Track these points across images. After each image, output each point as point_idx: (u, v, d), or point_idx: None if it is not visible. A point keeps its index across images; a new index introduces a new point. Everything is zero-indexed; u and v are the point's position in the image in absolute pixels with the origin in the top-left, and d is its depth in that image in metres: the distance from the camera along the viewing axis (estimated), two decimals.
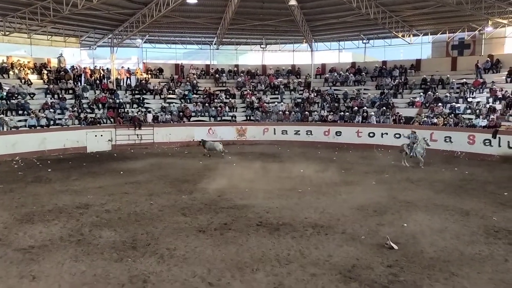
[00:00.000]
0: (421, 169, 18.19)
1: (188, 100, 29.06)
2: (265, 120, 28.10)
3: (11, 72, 26.02)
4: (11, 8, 22.96)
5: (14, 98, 23.80)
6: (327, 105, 28.63)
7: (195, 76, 31.53)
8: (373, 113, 26.11)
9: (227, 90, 30.54)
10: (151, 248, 9.04)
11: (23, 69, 26.59)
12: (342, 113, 27.24)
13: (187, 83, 30.57)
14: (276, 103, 29.32)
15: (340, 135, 26.30)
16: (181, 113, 27.60)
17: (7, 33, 25.55)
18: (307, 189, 14.51)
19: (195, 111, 28.12)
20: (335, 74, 31.24)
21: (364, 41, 31.93)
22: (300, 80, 31.79)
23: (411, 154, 18.89)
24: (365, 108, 26.80)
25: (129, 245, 9.23)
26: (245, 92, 30.35)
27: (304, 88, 30.90)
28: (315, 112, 28.11)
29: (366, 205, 12.47)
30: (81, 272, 7.86)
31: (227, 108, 28.68)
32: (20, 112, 23.40)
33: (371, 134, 25.44)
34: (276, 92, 30.74)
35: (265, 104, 29.07)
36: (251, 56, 37.84)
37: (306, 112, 28.02)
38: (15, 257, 8.58)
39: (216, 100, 29.17)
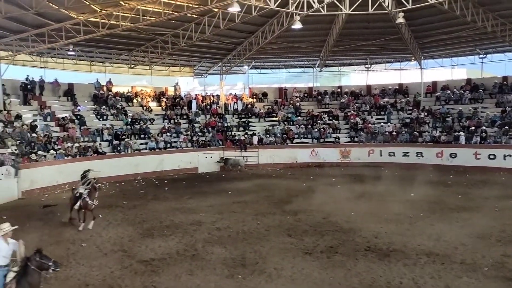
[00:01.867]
0: None
1: (291, 123, 29.52)
2: (370, 141, 27.25)
3: (134, 100, 29.11)
4: (136, 44, 25.88)
5: (137, 123, 26.48)
6: (440, 125, 26.84)
7: (298, 98, 32.01)
8: (493, 133, 23.77)
9: (330, 111, 30.40)
10: (259, 267, 9.28)
11: (145, 97, 29.56)
12: (457, 133, 25.28)
13: (290, 105, 31.15)
14: (382, 123, 28.33)
15: (455, 157, 24.35)
16: (284, 135, 28.12)
17: (132, 65, 28.85)
18: (419, 214, 13.67)
19: (298, 133, 28.42)
20: (448, 92, 29.23)
21: (481, 56, 29.51)
22: (408, 99, 30.37)
23: None
24: (483, 127, 24.54)
25: (239, 262, 9.59)
26: (349, 113, 29.89)
27: (413, 107, 29.43)
28: (426, 133, 26.48)
29: (488, 233, 11.34)
30: (196, 285, 8.37)
31: (330, 129, 28.48)
32: (142, 136, 25.89)
33: (491, 156, 23.14)
34: (382, 113, 29.74)
35: (370, 125, 28.28)
36: (355, 77, 37.34)
37: (416, 133, 26.54)
38: (139, 268, 9.44)
39: (319, 122, 29.17)
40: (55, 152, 20.46)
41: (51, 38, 20.08)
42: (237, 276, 8.77)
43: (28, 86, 24.17)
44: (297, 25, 19.28)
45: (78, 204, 12.51)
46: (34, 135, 20.89)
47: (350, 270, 9.01)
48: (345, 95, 31.89)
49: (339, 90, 32.86)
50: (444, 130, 26.04)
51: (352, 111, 30.09)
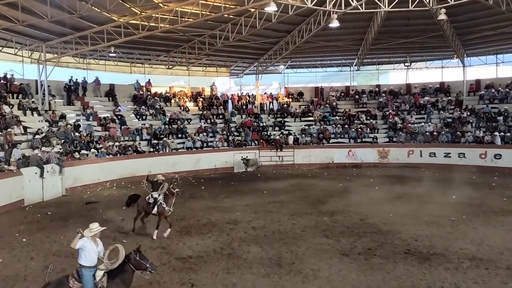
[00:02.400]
0: None
1: (328, 122, 29.20)
2: (410, 141, 26.52)
3: (172, 101, 29.69)
4: (174, 45, 26.40)
5: (174, 123, 26.99)
6: (483, 125, 25.76)
7: (334, 98, 31.62)
8: None
9: (367, 111, 29.84)
10: (296, 267, 9.23)
11: (182, 97, 30.10)
12: (502, 133, 24.18)
13: (327, 105, 30.82)
14: (422, 123, 27.50)
15: (500, 158, 23.30)
16: (320, 135, 27.85)
17: (170, 66, 29.45)
18: (461, 217, 13.18)
19: (335, 133, 28.07)
20: (493, 90, 28.02)
21: None
22: (450, 98, 29.35)
23: None
24: None
25: (275, 262, 9.57)
26: (388, 113, 29.23)
27: (455, 106, 28.39)
28: (469, 133, 25.48)
29: None
30: (232, 284, 8.42)
31: (367, 129, 27.96)
32: (179, 135, 26.37)
33: None
34: (422, 112, 28.86)
35: (409, 124, 27.52)
36: (394, 75, 36.44)
37: (458, 133, 25.60)
38: (177, 265, 9.60)
39: (356, 122, 28.69)
40: (96, 151, 21.19)
41: (94, 41, 20.84)
42: (273, 276, 8.76)
43: (72, 87, 25.21)
44: (335, 24, 19.05)
45: (154, 210, 11.80)
46: (77, 134, 21.73)
47: (389, 273, 8.81)
48: (384, 94, 31.20)
49: (377, 89, 32.20)
50: (488, 130, 24.99)
51: (391, 111, 29.40)
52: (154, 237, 11.62)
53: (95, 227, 6.82)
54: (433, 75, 33.17)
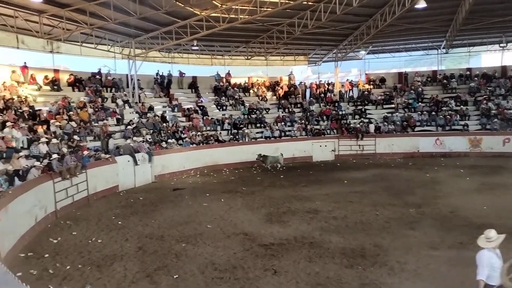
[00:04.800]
0: None
1: (413, 109, 27.72)
2: (506, 129, 24.26)
3: (251, 91, 30.14)
4: (252, 36, 26.68)
5: (253, 113, 27.41)
6: None
7: (420, 83, 29.89)
8: None
9: (457, 96, 27.80)
10: (381, 259, 8.96)
11: (260, 87, 30.42)
12: None
13: (412, 91, 29.23)
14: None
15: None
16: (404, 123, 26.54)
17: (249, 57, 29.86)
18: None
19: (420, 120, 26.58)
20: None
21: None
22: None
23: None
24: None
25: (358, 253, 9.37)
26: (480, 98, 26.99)
27: None
28: None
29: None
30: (315, 272, 8.40)
31: (457, 116, 26.08)
32: (258, 125, 26.75)
33: None
34: None
35: (505, 110, 25.18)
36: (487, 58, 33.60)
37: None
38: (259, 251, 9.80)
39: (444, 108, 26.88)
40: (181, 140, 22.28)
41: (178, 35, 21.78)
42: (357, 267, 8.58)
43: (159, 80, 26.73)
44: (421, 5, 17.94)
45: None
46: (164, 124, 23.02)
47: None
48: (476, 78, 28.85)
49: (468, 72, 29.85)
50: None
51: (484, 96, 27.11)
52: None
53: (493, 235, 5.54)
54: None
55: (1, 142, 13.72)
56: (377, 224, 11.60)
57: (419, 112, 27.00)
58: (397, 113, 27.22)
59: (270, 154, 22.40)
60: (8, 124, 15.12)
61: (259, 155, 22.23)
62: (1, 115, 15.79)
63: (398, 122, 26.50)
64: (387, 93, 29.73)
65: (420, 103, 28.07)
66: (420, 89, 29.23)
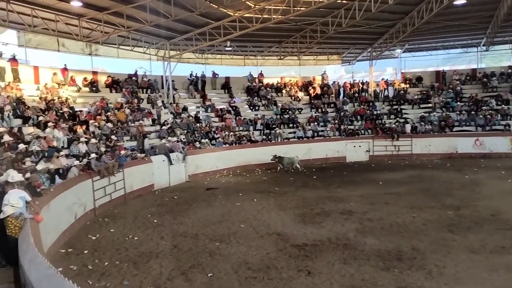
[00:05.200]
0: None
1: (451, 109, 26.85)
2: None
3: (283, 91, 30.06)
4: (285, 35, 26.63)
5: (286, 113, 27.32)
6: None
7: (458, 82, 28.92)
8: None
9: (498, 95, 26.71)
10: (418, 262, 8.72)
11: (293, 87, 30.29)
12: None
13: (450, 90, 28.32)
14: None
15: None
16: (442, 123, 25.75)
17: (281, 57, 29.82)
18: None
19: (459, 120, 25.73)
20: None
21: None
22: None
23: None
24: None
25: (394, 255, 9.16)
26: None
27: None
28: None
29: None
30: (350, 274, 8.27)
31: (498, 116, 25.06)
32: (291, 125, 26.64)
33: None
34: None
35: None
36: None
37: None
38: (293, 251, 9.74)
39: (484, 108, 25.89)
40: (214, 140, 22.51)
41: (211, 36, 22.05)
42: (393, 270, 8.38)
43: (192, 82, 27.11)
44: (460, 1, 17.34)
45: None
46: (197, 125, 23.32)
47: None
48: None
49: (510, 70, 28.60)
50: None
51: None
52: None
53: None
54: None
55: (43, 141, 14.28)
56: (414, 227, 11.30)
57: (458, 112, 26.14)
58: (434, 113, 26.47)
59: (285, 156, 21.64)
60: (49, 124, 15.72)
61: (274, 156, 21.53)
62: (43, 116, 16.43)
63: (435, 122, 25.76)
64: (424, 92, 28.97)
65: (458, 103, 27.17)
66: (458, 88, 28.29)
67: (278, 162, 21.48)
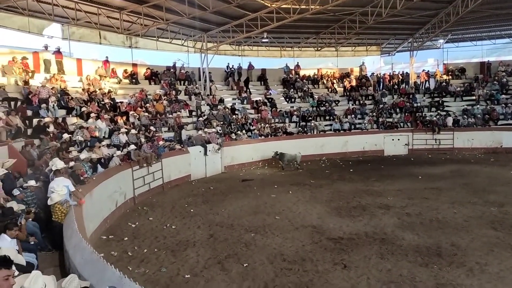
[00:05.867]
0: None
1: (496, 102, 25.69)
2: None
3: (320, 83, 29.70)
4: (323, 26, 26.20)
5: (322, 105, 27.00)
6: None
7: (504, 73, 27.59)
8: None
9: None
10: (458, 259, 8.47)
11: (330, 79, 29.86)
12: None
13: (495, 82, 27.07)
14: None
15: None
16: (486, 116, 24.70)
17: (318, 48, 29.43)
18: None
19: (504, 113, 24.58)
20: None
21: None
22: None
23: None
24: None
25: (434, 251, 8.93)
26: None
27: None
28: None
29: None
30: (387, 269, 8.14)
31: None
32: (327, 117, 26.31)
33: None
34: None
35: None
36: None
37: None
38: (328, 244, 9.69)
39: None
40: (250, 132, 22.60)
41: (248, 28, 22.03)
42: (432, 266, 8.17)
43: (229, 73, 27.28)
44: None
45: None
46: (234, 116, 23.47)
47: None
48: None
49: None
50: None
51: None
52: None
53: None
54: None
55: (86, 132, 14.81)
56: (455, 223, 10.96)
57: (503, 105, 24.99)
58: (478, 106, 25.43)
59: (287, 153, 20.74)
60: (92, 115, 16.28)
61: (275, 152, 20.72)
62: (85, 107, 17.03)
63: (479, 115, 24.76)
64: (468, 84, 27.82)
65: (504, 95, 25.93)
66: (504, 80, 27.02)
67: (279, 159, 20.74)
